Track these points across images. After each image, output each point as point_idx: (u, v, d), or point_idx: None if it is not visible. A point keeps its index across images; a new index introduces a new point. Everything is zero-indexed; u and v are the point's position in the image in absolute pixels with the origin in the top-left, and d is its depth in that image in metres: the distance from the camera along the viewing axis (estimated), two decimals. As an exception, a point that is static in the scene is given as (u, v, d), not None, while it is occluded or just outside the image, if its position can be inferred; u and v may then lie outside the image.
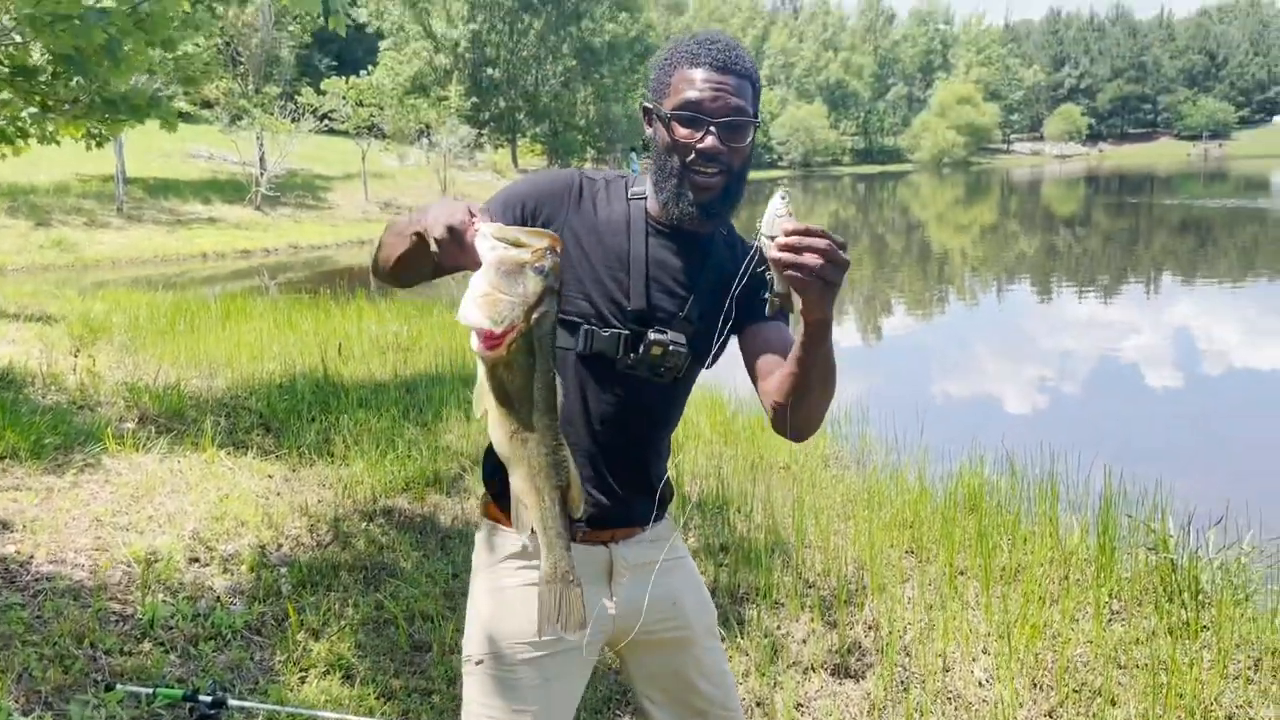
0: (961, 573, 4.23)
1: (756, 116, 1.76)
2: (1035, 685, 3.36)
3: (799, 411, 1.72)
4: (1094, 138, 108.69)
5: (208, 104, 35.54)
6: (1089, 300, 15.55)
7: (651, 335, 1.77)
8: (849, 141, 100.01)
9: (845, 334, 12.72)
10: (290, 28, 34.90)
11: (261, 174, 30.22)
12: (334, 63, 50.72)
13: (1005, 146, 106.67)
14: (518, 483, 1.55)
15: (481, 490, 1.94)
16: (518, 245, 1.45)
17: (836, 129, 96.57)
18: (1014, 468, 5.40)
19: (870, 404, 7.20)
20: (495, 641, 1.79)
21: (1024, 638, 3.54)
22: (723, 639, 2.29)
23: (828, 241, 1.47)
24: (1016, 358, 11.27)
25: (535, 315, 1.45)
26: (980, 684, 3.38)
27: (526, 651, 1.78)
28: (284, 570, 4.07)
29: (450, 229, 1.48)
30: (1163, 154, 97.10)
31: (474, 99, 49.77)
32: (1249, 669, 3.38)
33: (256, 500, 4.77)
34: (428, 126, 37.39)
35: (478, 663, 1.79)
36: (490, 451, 1.81)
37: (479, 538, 1.91)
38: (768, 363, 1.80)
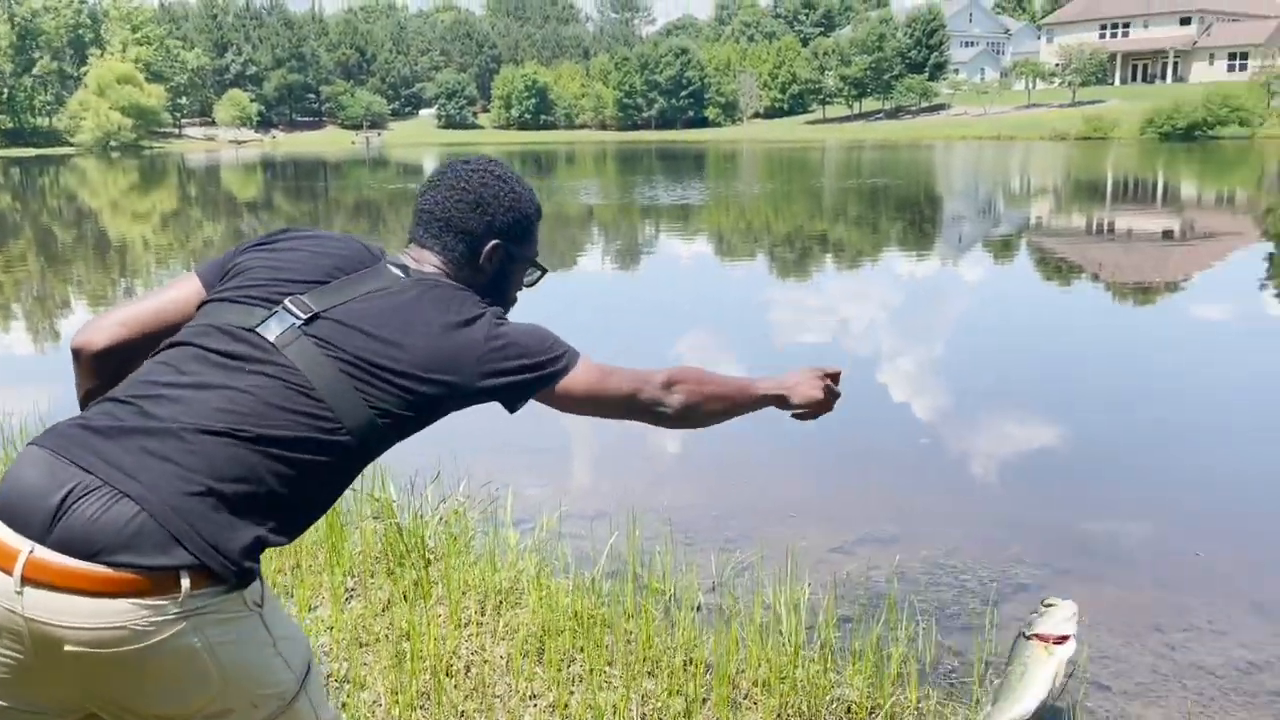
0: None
1: None
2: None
3: None
4: (266, 124, 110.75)
5: None
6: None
7: None
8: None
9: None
10: None
11: None
12: None
13: (177, 131, 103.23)
14: None
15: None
16: None
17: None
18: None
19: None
20: (307, 651, 1.73)
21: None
22: None
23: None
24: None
25: None
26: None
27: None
28: None
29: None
30: (331, 141, 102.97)
31: None
32: (478, 614, 3.55)
33: None
34: None
35: (305, 675, 1.69)
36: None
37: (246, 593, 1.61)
38: None
